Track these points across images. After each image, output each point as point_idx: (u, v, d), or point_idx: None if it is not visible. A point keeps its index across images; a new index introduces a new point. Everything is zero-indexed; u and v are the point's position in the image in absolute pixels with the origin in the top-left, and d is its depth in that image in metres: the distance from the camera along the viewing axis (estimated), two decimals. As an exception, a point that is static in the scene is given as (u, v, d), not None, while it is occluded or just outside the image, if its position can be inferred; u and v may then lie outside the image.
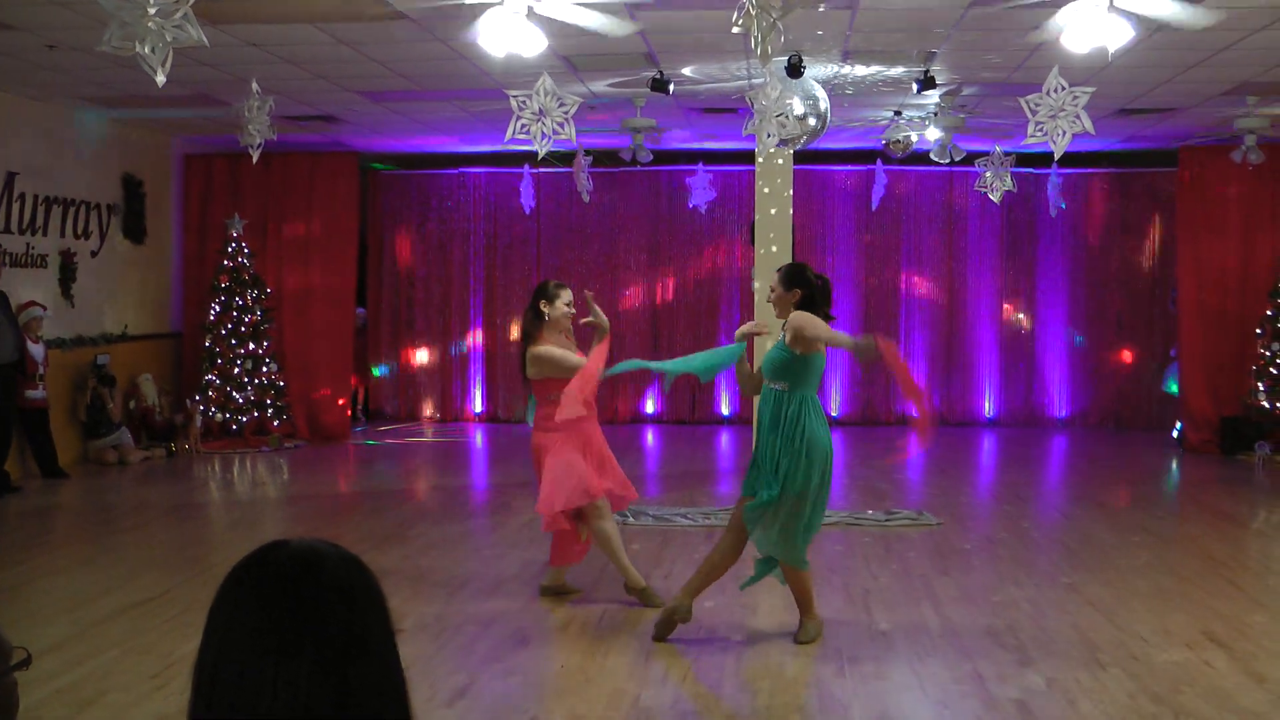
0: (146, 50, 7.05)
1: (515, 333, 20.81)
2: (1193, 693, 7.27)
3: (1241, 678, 7.58)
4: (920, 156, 17.03)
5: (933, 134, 15.55)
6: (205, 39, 7.32)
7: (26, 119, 15.38)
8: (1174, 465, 17.09)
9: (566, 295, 9.49)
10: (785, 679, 7.63)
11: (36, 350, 15.00)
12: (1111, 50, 9.61)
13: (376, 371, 21.54)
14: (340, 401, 19.42)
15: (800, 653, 8.13)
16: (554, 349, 9.28)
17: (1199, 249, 18.18)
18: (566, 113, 10.26)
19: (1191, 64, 12.66)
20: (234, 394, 18.13)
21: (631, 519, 12.43)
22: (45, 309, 15.26)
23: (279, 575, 2.06)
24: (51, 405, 15.47)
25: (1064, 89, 9.57)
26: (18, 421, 14.91)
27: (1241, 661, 7.91)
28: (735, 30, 8.11)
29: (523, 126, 10.26)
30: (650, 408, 20.99)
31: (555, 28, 9.58)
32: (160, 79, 7.24)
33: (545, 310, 9.39)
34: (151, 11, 6.98)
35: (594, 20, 9.42)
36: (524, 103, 10.23)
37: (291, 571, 2.06)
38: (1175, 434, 18.52)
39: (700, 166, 19.59)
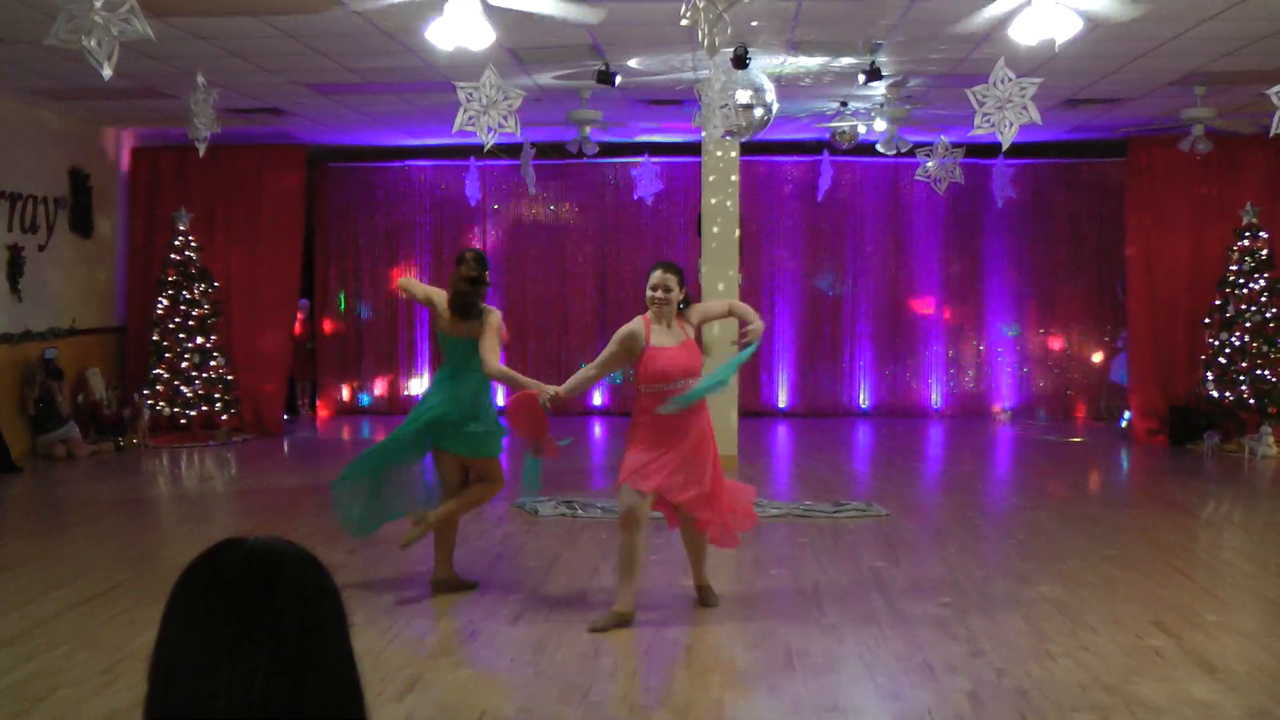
0: (93, 44, 7.00)
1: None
2: (1144, 682, 7.30)
3: (1193, 667, 7.61)
4: (866, 147, 17.10)
5: (879, 125, 15.58)
6: (151, 33, 7.28)
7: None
8: (1122, 455, 17.18)
9: (652, 278, 8.80)
10: (736, 672, 7.64)
11: (-16, 346, 14.94)
12: (1059, 42, 9.65)
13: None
14: (280, 393, 19.39)
15: (752, 645, 8.14)
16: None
17: (1147, 239, 18.28)
18: (511, 106, 10.23)
19: (1138, 54, 12.73)
20: (182, 388, 18.02)
21: (581, 511, 12.47)
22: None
23: (235, 573, 2.05)
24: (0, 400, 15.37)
25: (1011, 80, 9.59)
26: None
27: (1192, 651, 7.95)
28: (684, 23, 8.11)
29: (470, 119, 10.23)
30: (598, 400, 20.98)
31: (506, 18, 9.54)
32: (107, 73, 7.20)
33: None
34: (98, 5, 6.93)
35: (552, 7, 9.38)
36: (471, 94, 10.20)
37: (247, 569, 2.05)
38: (1123, 424, 18.62)
39: (646, 158, 19.60)
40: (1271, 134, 9.39)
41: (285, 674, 1.98)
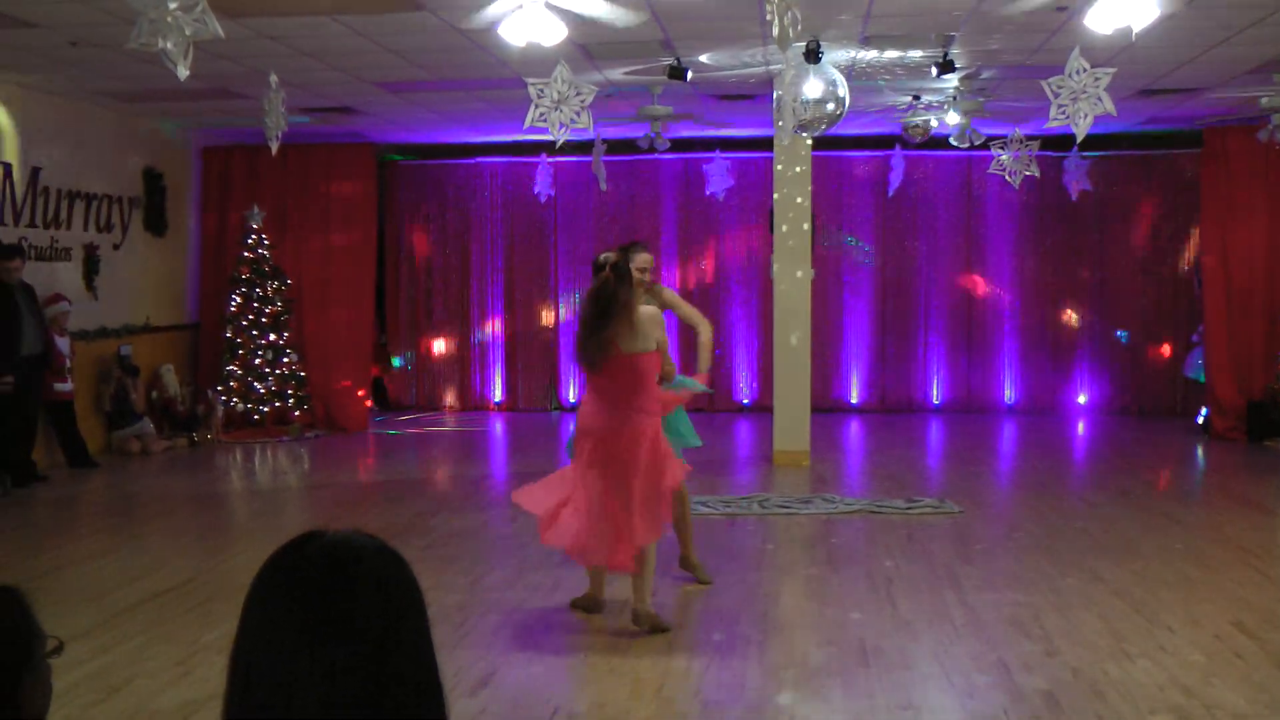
0: (169, 46, 7.05)
1: (534, 318, 20.88)
2: (1224, 685, 7.19)
3: (1273, 670, 7.49)
4: (938, 141, 16.98)
5: (953, 118, 15.46)
6: (222, 32, 7.32)
7: (50, 115, 15.49)
8: (1199, 452, 16.96)
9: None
10: (809, 669, 7.59)
11: (63, 344, 15.09)
12: (1136, 31, 9.55)
13: (396, 362, 21.54)
14: (360, 392, 19.45)
15: (825, 642, 8.09)
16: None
17: (1224, 231, 17.91)
18: (583, 101, 10.23)
19: (1216, 42, 12.57)
20: (255, 384, 18.15)
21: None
22: (69, 302, 15.32)
23: (314, 567, 2.03)
24: (76, 396, 15.55)
25: (1085, 70, 9.50)
26: (45, 413, 15.00)
27: (1273, 653, 7.81)
28: (770, 18, 8.11)
29: (541, 115, 10.23)
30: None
31: (572, 16, 9.55)
32: (183, 73, 7.26)
33: None
34: (173, 7, 6.98)
35: (603, 10, 9.39)
36: (542, 90, 10.20)
37: (327, 564, 2.04)
38: (1200, 420, 18.35)
39: (717, 154, 19.54)
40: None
41: (364, 670, 1.96)
